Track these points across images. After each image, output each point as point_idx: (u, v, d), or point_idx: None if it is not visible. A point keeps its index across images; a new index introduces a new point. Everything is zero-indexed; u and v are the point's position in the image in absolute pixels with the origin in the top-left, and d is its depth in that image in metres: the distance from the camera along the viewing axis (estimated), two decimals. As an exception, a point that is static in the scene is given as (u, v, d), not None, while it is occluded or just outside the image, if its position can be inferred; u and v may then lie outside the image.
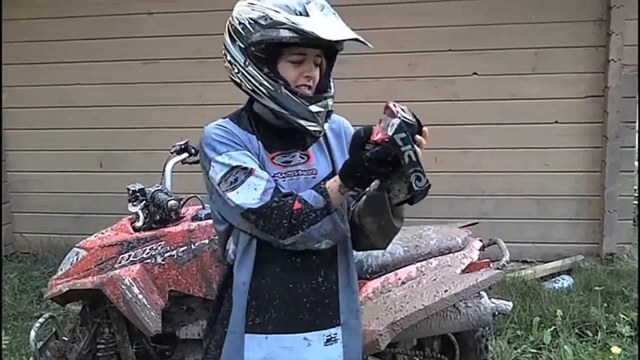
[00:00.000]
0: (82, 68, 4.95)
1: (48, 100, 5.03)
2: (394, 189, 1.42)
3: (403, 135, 1.30)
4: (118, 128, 4.94)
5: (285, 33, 1.44)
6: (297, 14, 1.46)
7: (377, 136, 1.33)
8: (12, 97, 5.01)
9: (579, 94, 4.51)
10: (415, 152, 1.32)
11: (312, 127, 1.52)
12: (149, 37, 4.84)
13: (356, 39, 1.46)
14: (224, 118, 1.59)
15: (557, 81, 4.50)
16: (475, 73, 4.58)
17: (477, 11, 4.52)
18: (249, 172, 1.47)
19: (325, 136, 1.62)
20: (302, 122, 1.51)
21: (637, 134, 4.73)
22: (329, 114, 1.55)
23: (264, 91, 1.50)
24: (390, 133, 1.31)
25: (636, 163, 5.01)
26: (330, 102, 1.55)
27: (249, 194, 1.45)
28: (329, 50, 1.55)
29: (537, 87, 4.52)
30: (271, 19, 1.46)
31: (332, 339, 1.58)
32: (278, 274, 1.54)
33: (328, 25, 1.45)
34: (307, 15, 1.46)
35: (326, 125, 1.56)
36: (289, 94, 1.49)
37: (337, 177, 1.45)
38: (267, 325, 1.55)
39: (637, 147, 4.96)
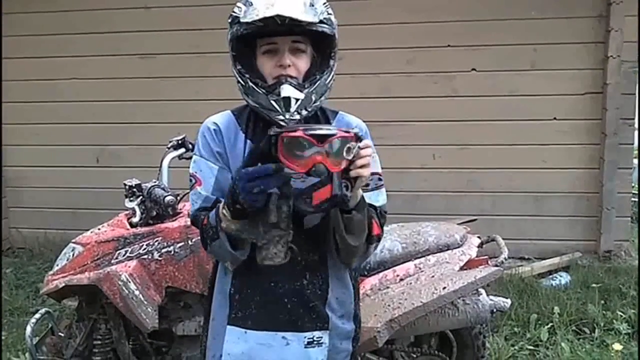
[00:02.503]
0: (78, 62, 4.92)
1: (44, 95, 5.01)
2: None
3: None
4: (115, 123, 4.92)
5: (236, 27, 1.44)
6: (248, 5, 1.43)
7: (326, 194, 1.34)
8: (8, 92, 4.98)
9: (578, 91, 4.50)
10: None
11: (277, 117, 1.46)
12: (146, 31, 4.82)
13: (276, 16, 1.35)
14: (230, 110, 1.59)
15: (556, 77, 4.49)
16: (474, 69, 4.57)
17: (477, 7, 4.51)
18: (192, 184, 1.53)
19: None
20: (269, 112, 1.47)
21: (635, 131, 4.73)
22: (286, 100, 1.42)
23: (241, 87, 1.50)
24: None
25: (635, 160, 5.00)
26: (286, 88, 1.42)
27: (191, 205, 1.55)
28: (310, 36, 1.47)
29: (536, 83, 4.51)
30: (232, 16, 1.46)
31: (315, 342, 1.54)
32: (261, 270, 1.48)
33: (261, 7, 1.39)
34: (255, 4, 1.42)
35: (294, 116, 1.44)
36: (253, 85, 1.47)
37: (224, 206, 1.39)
38: (247, 320, 1.54)
39: (635, 145, 4.95)
